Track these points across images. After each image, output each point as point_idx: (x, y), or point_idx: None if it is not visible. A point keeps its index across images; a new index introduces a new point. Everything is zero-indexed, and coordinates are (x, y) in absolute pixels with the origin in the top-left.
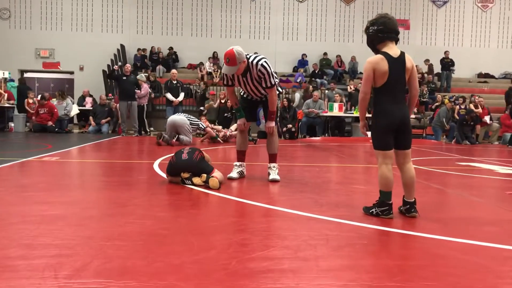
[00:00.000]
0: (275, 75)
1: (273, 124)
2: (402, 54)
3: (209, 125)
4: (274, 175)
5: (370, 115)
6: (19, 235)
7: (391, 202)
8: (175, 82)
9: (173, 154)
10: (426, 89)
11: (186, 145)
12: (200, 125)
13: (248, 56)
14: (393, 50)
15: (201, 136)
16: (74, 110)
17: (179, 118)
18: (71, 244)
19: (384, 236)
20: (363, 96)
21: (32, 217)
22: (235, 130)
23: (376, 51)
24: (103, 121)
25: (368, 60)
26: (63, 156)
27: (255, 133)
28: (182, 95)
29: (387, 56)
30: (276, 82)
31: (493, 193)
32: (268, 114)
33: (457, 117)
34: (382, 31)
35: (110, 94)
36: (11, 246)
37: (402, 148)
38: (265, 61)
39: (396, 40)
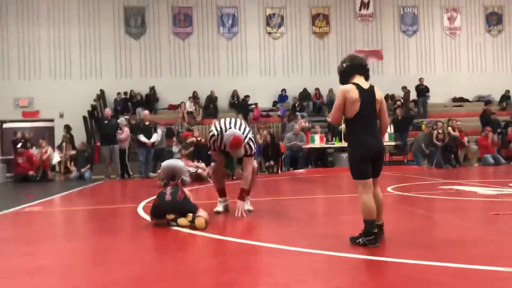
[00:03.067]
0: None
1: (242, 205)
2: (372, 86)
3: (192, 164)
4: (246, 205)
5: (346, 145)
6: None
7: (376, 230)
8: (147, 123)
9: (155, 197)
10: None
11: (185, 186)
12: (191, 170)
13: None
14: (363, 83)
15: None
16: (56, 158)
17: (176, 161)
18: None
19: (373, 266)
20: (331, 121)
21: (14, 271)
22: None
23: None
24: (83, 170)
25: (341, 87)
26: (45, 205)
27: None
28: (155, 136)
29: (357, 86)
30: (254, 152)
31: (477, 215)
32: (240, 192)
33: (436, 142)
34: (349, 66)
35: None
36: None
37: (375, 176)
38: (250, 138)
39: (366, 76)
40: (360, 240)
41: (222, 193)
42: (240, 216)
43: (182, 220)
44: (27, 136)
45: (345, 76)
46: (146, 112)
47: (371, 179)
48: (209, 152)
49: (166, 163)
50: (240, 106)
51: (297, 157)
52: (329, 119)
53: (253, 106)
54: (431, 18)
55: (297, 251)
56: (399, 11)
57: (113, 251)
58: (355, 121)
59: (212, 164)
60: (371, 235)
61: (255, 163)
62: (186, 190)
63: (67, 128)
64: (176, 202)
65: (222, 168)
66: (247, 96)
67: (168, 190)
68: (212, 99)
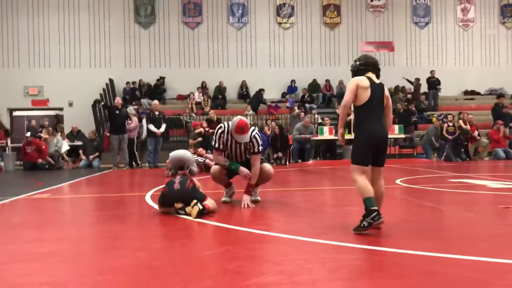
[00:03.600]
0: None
1: (248, 198)
2: (381, 83)
3: (204, 153)
4: (254, 196)
5: (352, 137)
6: (10, 275)
7: (376, 208)
8: (157, 113)
9: (164, 185)
10: (414, 108)
11: (193, 175)
12: (199, 160)
13: None
14: (374, 78)
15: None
16: (65, 146)
17: (184, 152)
18: (64, 281)
19: (379, 256)
20: (345, 104)
21: (23, 256)
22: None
23: None
24: (91, 157)
25: (352, 78)
26: (54, 192)
27: None
28: (164, 126)
29: (369, 78)
30: (261, 150)
31: (486, 208)
32: (247, 187)
33: (447, 135)
34: (363, 64)
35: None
36: (0, 286)
37: (379, 165)
38: (256, 133)
39: (377, 75)
40: (364, 223)
41: (227, 185)
42: (247, 207)
43: (189, 209)
44: (45, 125)
45: (358, 73)
46: (156, 101)
47: (368, 167)
48: (213, 148)
49: (174, 153)
50: (253, 97)
51: (305, 149)
52: (338, 111)
53: (271, 103)
54: (444, 9)
55: (304, 241)
56: (411, 2)
57: (120, 238)
58: (364, 108)
59: (213, 167)
60: (372, 212)
61: (269, 167)
62: (195, 179)
63: (57, 118)
64: (185, 191)
65: (223, 170)
66: (262, 90)
67: (177, 179)
68: (221, 89)
